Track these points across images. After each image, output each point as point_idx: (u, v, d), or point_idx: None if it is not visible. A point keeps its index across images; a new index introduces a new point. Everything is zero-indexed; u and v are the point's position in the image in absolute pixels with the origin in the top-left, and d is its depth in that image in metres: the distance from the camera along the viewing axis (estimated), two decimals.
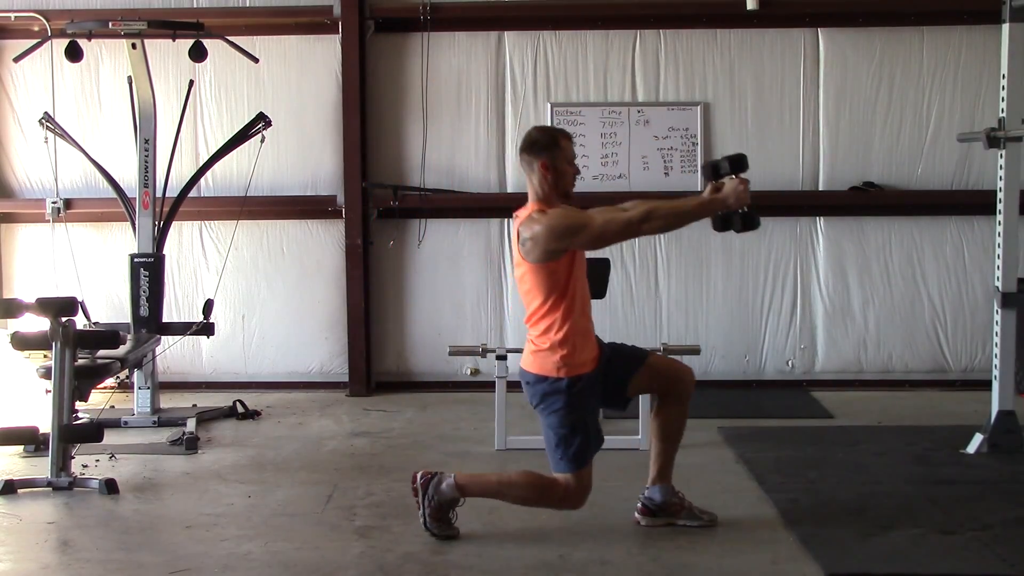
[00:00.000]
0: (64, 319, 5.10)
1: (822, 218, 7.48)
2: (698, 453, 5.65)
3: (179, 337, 6.82)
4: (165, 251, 6.76)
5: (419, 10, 7.34)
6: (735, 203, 4.11)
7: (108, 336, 5.42)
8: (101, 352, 5.64)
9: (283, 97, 7.48)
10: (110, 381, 6.54)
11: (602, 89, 7.49)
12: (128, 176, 6.86)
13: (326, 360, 7.63)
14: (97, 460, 5.56)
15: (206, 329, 6.69)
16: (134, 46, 6.50)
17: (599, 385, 4.28)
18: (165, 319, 6.75)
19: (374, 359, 7.54)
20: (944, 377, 7.47)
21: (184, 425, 6.20)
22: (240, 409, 6.72)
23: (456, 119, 7.54)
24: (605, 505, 4.68)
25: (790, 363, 7.54)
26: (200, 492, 5.06)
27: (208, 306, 6.62)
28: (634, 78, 7.48)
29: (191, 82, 6.99)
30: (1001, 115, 5.52)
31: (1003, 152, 5.53)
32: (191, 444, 5.86)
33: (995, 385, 5.58)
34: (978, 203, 7.01)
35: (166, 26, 6.58)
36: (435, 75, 7.47)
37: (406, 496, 4.71)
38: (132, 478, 5.26)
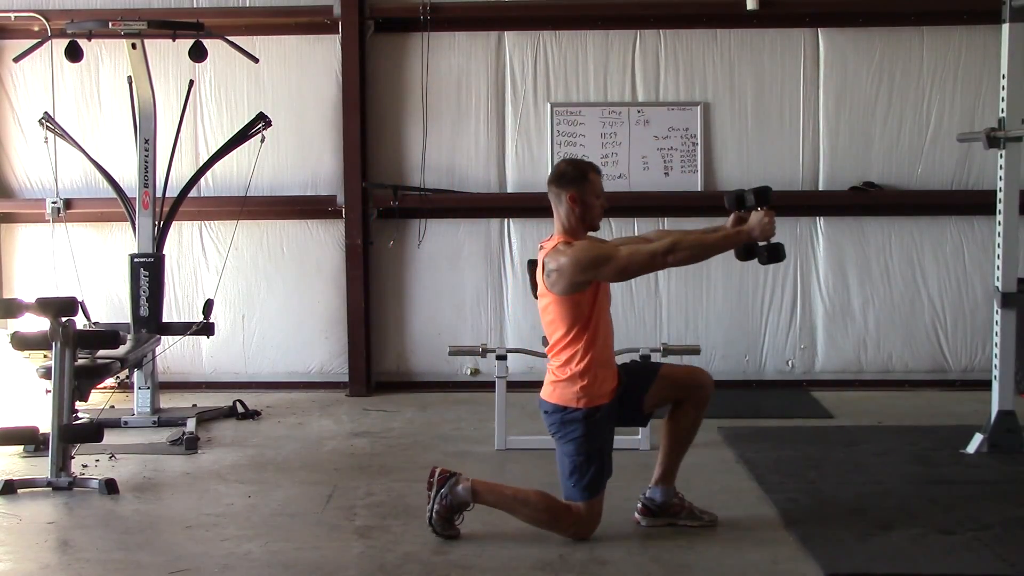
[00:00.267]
0: (64, 319, 5.10)
1: (822, 218, 7.48)
2: (698, 453, 5.61)
3: (179, 337, 6.83)
4: (165, 251, 6.76)
5: (419, 10, 7.34)
6: (760, 235, 4.13)
7: (108, 336, 5.42)
8: (101, 352, 5.63)
9: (283, 97, 7.49)
10: (110, 381, 6.55)
11: (602, 89, 7.49)
12: (128, 176, 6.86)
13: (326, 360, 7.63)
14: (97, 460, 5.56)
15: (206, 329, 6.69)
16: (134, 46, 6.50)
17: (615, 413, 4.29)
18: (165, 319, 6.75)
19: (374, 359, 7.54)
20: (944, 377, 7.47)
21: (184, 425, 6.20)
22: (240, 409, 6.72)
23: (456, 119, 7.54)
24: (605, 505, 4.67)
25: (790, 363, 7.54)
26: (200, 492, 5.06)
27: (208, 306, 6.62)
28: (634, 78, 7.49)
29: (191, 82, 6.99)
30: (1001, 115, 5.52)
31: (1003, 152, 5.53)
32: (191, 444, 5.86)
33: (995, 385, 5.58)
34: (978, 203, 7.01)
35: (166, 26, 6.58)
36: (435, 75, 7.47)
37: (406, 496, 4.72)
38: (132, 478, 5.26)
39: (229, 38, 6.83)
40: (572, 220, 4.22)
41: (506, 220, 7.51)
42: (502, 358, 5.80)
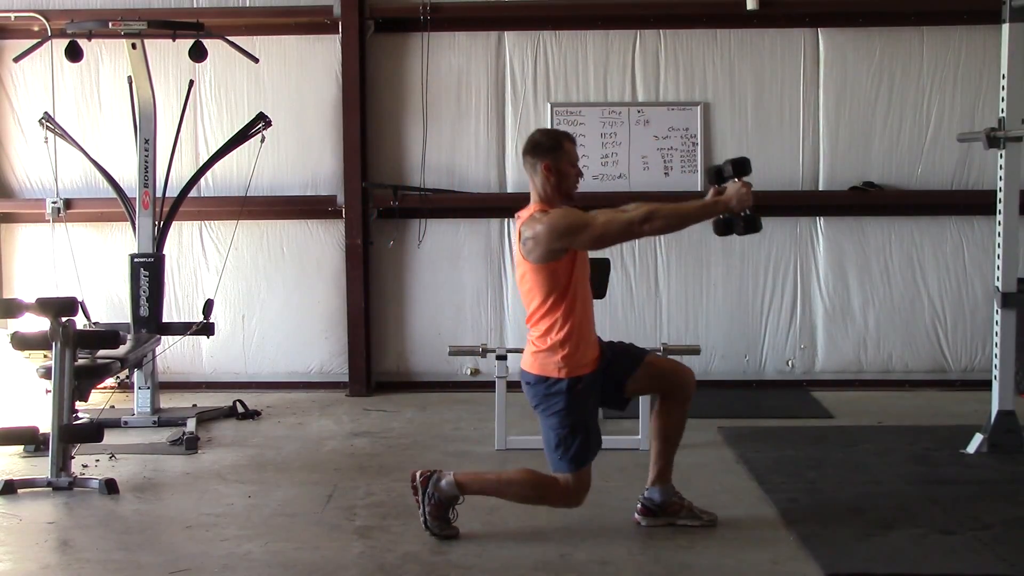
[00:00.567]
0: (64, 319, 5.10)
1: (822, 218, 7.48)
2: (698, 453, 5.65)
3: (179, 337, 6.83)
4: (165, 251, 6.76)
5: (419, 10, 7.34)
6: (737, 206, 4.14)
7: (108, 336, 5.42)
8: (101, 352, 5.63)
9: (283, 97, 7.49)
10: (110, 381, 6.55)
11: (602, 89, 7.49)
12: (128, 176, 6.86)
13: (326, 360, 7.63)
14: (97, 460, 5.56)
15: (206, 329, 6.69)
16: (134, 46, 6.50)
17: (599, 385, 4.29)
18: (165, 319, 6.75)
19: (374, 359, 7.54)
20: (944, 377, 7.47)
21: (184, 425, 6.20)
22: (240, 409, 6.72)
23: (456, 119, 7.54)
24: (605, 505, 4.68)
25: (790, 363, 7.54)
26: (200, 492, 5.06)
27: (208, 306, 6.62)
28: (634, 78, 7.49)
29: (191, 82, 6.99)
30: (1001, 115, 5.52)
31: (1003, 152, 5.53)
32: (191, 444, 5.86)
33: (995, 385, 5.58)
34: (978, 203, 7.02)
35: (166, 26, 6.58)
36: (435, 75, 7.47)
37: (406, 496, 4.71)
38: (132, 478, 5.26)
39: (229, 38, 6.83)
40: (548, 189, 4.21)
41: (506, 220, 7.50)
42: (502, 358, 5.80)
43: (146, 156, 6.64)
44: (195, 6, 7.44)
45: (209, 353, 7.60)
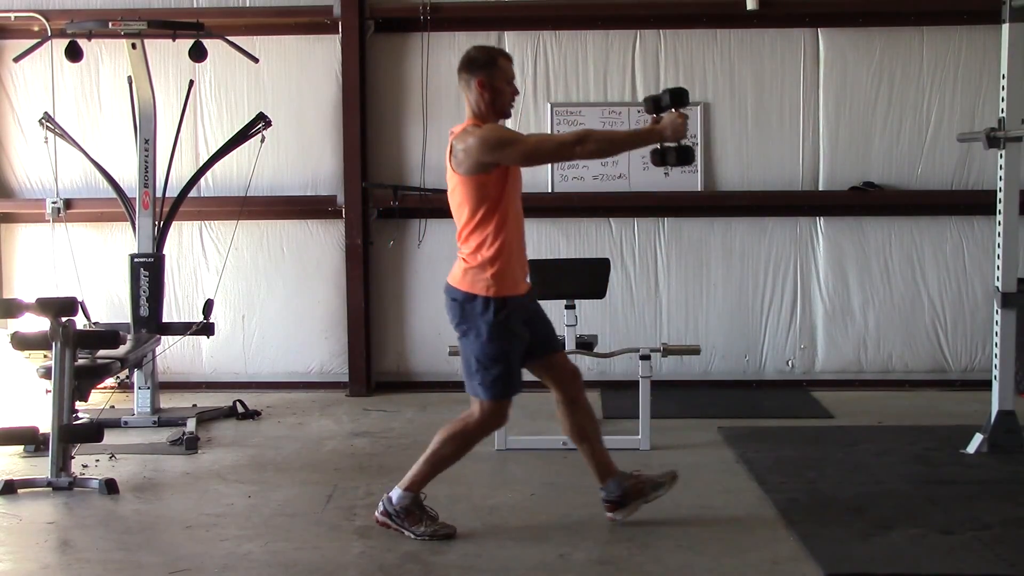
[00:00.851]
0: (64, 319, 5.10)
1: (822, 218, 7.48)
2: (698, 453, 5.65)
3: (179, 337, 6.83)
4: (165, 251, 6.76)
5: (419, 10, 7.34)
6: (672, 135, 4.13)
7: (108, 336, 5.42)
8: (101, 352, 5.63)
9: (283, 97, 7.49)
10: (110, 381, 6.54)
11: (602, 89, 7.49)
12: (128, 176, 6.86)
13: (326, 360, 7.63)
14: (97, 460, 5.56)
15: (206, 329, 6.69)
16: (134, 46, 6.51)
17: (524, 322, 4.24)
18: (165, 319, 6.75)
19: (374, 359, 7.54)
20: (944, 377, 7.47)
21: (184, 425, 6.20)
22: (240, 409, 6.72)
23: (456, 119, 7.35)
24: (604, 505, 4.68)
25: (790, 363, 7.54)
26: (200, 492, 5.06)
27: (208, 306, 6.62)
28: (634, 78, 7.48)
29: (191, 82, 6.99)
30: (1001, 115, 5.52)
31: (1003, 152, 5.53)
32: (191, 444, 5.86)
33: (995, 385, 5.58)
34: (978, 203, 7.02)
35: (166, 26, 6.58)
36: (435, 75, 7.46)
37: None
38: (132, 478, 5.26)
39: (229, 38, 6.83)
40: (482, 106, 4.19)
41: None
42: None
43: (146, 156, 6.64)
44: (195, 6, 7.44)
45: (209, 353, 7.60)
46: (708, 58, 7.46)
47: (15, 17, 7.34)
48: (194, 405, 6.90)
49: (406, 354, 7.64)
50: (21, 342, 5.27)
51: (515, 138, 4.16)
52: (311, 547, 4.24)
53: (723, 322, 7.52)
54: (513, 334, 4.19)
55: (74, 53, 6.62)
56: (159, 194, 6.67)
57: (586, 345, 6.24)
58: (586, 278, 6.45)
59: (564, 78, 7.49)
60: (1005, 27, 5.48)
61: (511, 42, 7.47)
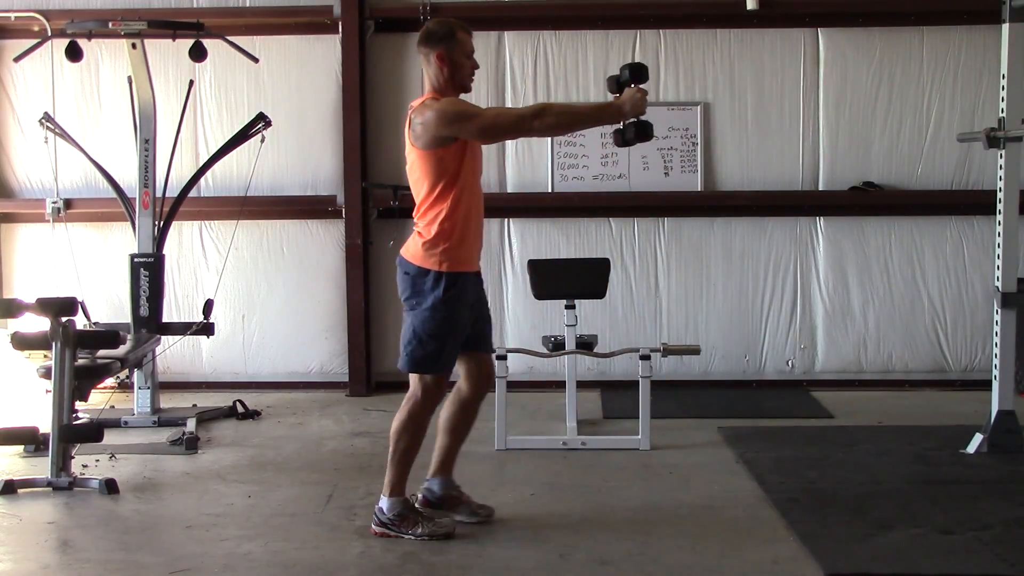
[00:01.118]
0: (64, 319, 5.10)
1: (822, 218, 7.48)
2: (698, 453, 5.65)
3: (179, 337, 6.82)
4: (165, 251, 6.75)
5: (419, 10, 7.33)
6: (631, 111, 4.12)
7: (108, 336, 5.41)
8: (101, 352, 5.62)
9: (283, 97, 7.49)
10: (110, 381, 6.54)
11: (602, 89, 7.48)
12: (128, 176, 6.86)
13: (326, 360, 7.63)
14: (97, 460, 5.56)
15: (206, 329, 6.68)
16: (134, 46, 6.50)
17: (472, 305, 4.27)
18: (165, 319, 6.75)
19: (374, 359, 7.54)
20: (944, 377, 7.47)
21: (184, 425, 6.20)
22: (240, 409, 6.72)
23: None
24: (605, 505, 4.69)
25: (790, 363, 7.54)
26: (200, 492, 5.06)
27: (208, 306, 6.61)
28: None
29: (191, 82, 6.99)
30: (1001, 115, 5.52)
31: (1003, 152, 5.53)
32: (191, 444, 5.86)
33: (995, 385, 5.58)
34: (978, 203, 7.02)
35: (166, 26, 6.58)
36: None
37: None
38: (132, 478, 5.26)
39: (229, 38, 6.83)
40: (441, 80, 4.18)
41: (506, 220, 7.50)
42: (502, 358, 5.79)
43: (146, 156, 6.63)
44: (195, 6, 7.44)
45: (209, 353, 7.60)
46: (708, 58, 7.46)
47: (15, 17, 7.34)
48: (194, 405, 6.90)
49: None
50: (21, 342, 5.27)
51: (473, 112, 4.15)
52: (311, 547, 4.24)
53: (723, 322, 7.52)
54: (458, 312, 4.21)
55: (74, 53, 6.62)
56: (159, 194, 6.67)
57: (586, 345, 6.24)
58: (586, 278, 6.44)
59: (564, 78, 7.48)
60: (1005, 27, 5.49)
61: (511, 42, 7.48)
